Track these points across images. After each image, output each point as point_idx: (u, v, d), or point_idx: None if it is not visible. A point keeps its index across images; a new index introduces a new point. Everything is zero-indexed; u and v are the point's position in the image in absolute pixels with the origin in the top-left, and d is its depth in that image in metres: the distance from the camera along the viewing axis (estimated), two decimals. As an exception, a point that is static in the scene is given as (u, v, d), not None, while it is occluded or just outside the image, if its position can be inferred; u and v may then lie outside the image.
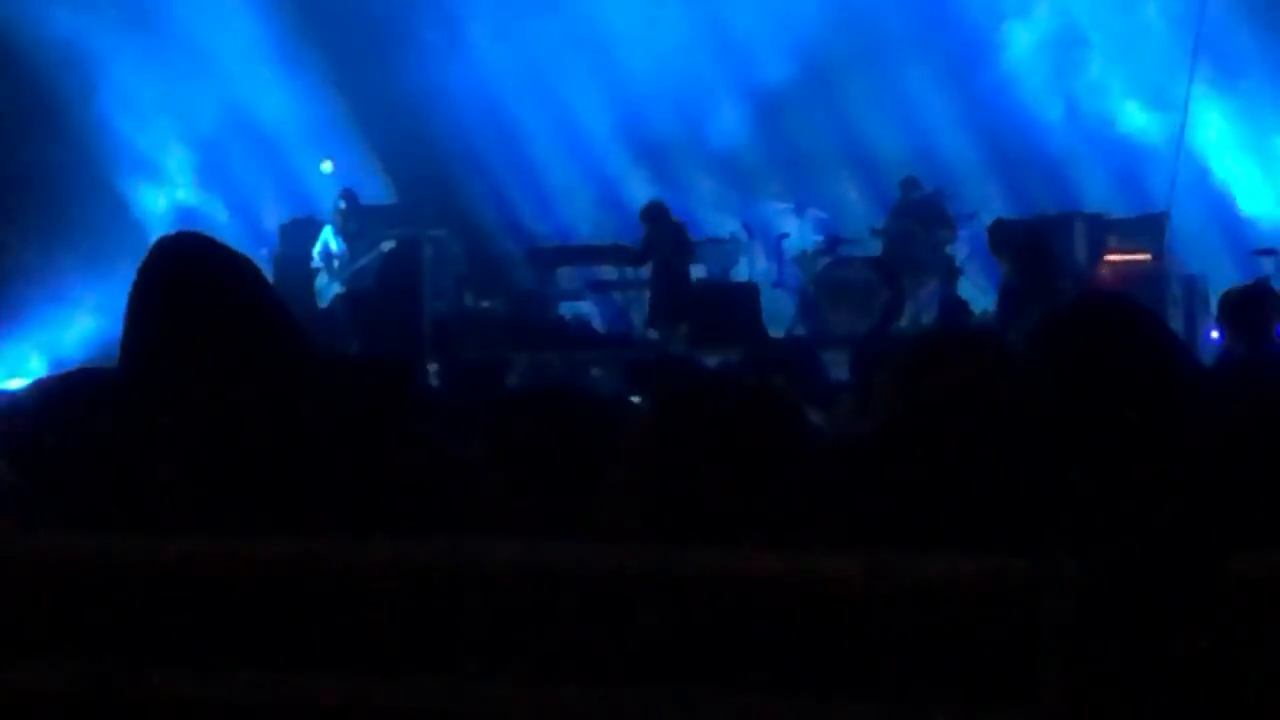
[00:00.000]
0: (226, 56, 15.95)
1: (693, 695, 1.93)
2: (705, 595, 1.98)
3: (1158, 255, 13.56)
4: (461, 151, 16.42)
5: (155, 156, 16.15)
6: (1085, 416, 2.49)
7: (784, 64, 15.80)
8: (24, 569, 2.29)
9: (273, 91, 16.14)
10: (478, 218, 16.45)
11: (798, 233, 14.97)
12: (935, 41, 15.79)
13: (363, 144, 16.40)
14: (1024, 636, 1.83)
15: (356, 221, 14.13)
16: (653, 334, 14.01)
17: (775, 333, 13.63)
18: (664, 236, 13.81)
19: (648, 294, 14.25)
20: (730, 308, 13.45)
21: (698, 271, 14.68)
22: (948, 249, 14.11)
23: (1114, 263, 13.70)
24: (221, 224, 15.37)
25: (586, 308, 15.60)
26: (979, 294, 14.02)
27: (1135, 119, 15.32)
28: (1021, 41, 15.54)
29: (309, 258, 14.14)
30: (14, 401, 3.01)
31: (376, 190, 15.93)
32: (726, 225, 15.57)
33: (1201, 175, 15.00)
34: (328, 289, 14.01)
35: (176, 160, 16.37)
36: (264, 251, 14.40)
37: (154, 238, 2.87)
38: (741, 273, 14.92)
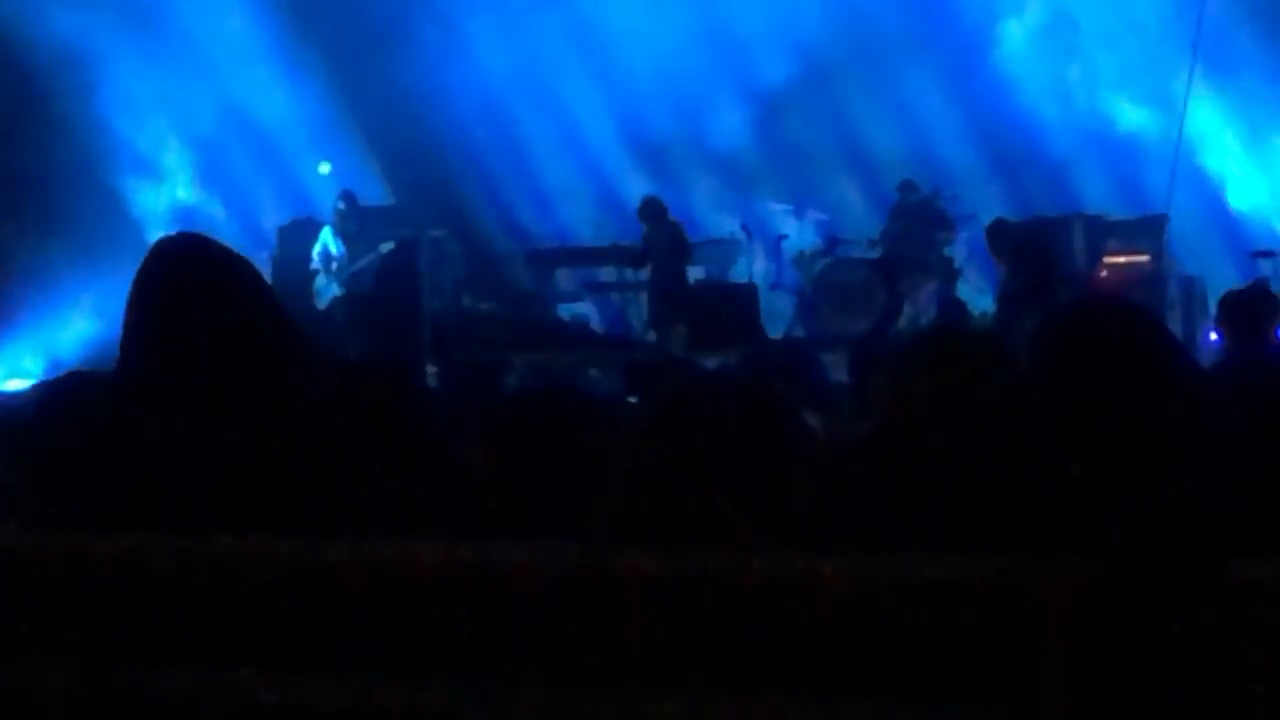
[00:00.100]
0: (225, 56, 15.94)
1: (692, 695, 1.93)
2: (703, 596, 1.98)
3: (1157, 257, 13.56)
4: (460, 152, 16.41)
5: (154, 156, 16.14)
6: (1084, 417, 2.49)
7: (784, 65, 15.80)
8: (22, 569, 2.29)
9: (271, 92, 16.13)
10: (477, 219, 16.44)
11: (796, 234, 14.97)
12: (934, 43, 15.79)
13: (361, 144, 16.39)
14: (1023, 637, 1.83)
15: (355, 223, 14.13)
16: (651, 335, 14.00)
17: (774, 334, 13.62)
18: (663, 235, 13.79)
19: (646, 295, 14.24)
20: (729, 309, 13.44)
21: (696, 272, 14.67)
22: (946, 250, 14.11)
23: (1113, 264, 13.71)
24: (220, 225, 15.36)
25: (585, 309, 15.59)
26: (978, 295, 14.02)
27: (1134, 120, 15.32)
28: (1020, 42, 15.54)
29: (307, 259, 14.13)
30: (10, 403, 3.02)
31: (375, 191, 15.92)
32: (726, 226, 15.57)
33: (1201, 176, 15.00)
34: (326, 290, 14.01)
35: (175, 160, 16.36)
36: (263, 253, 14.41)
37: (153, 238, 2.87)
38: (740, 274, 14.91)
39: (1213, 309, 8.75)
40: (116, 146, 15.59)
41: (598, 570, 2.04)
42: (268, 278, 2.93)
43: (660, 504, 2.20)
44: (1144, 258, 13.62)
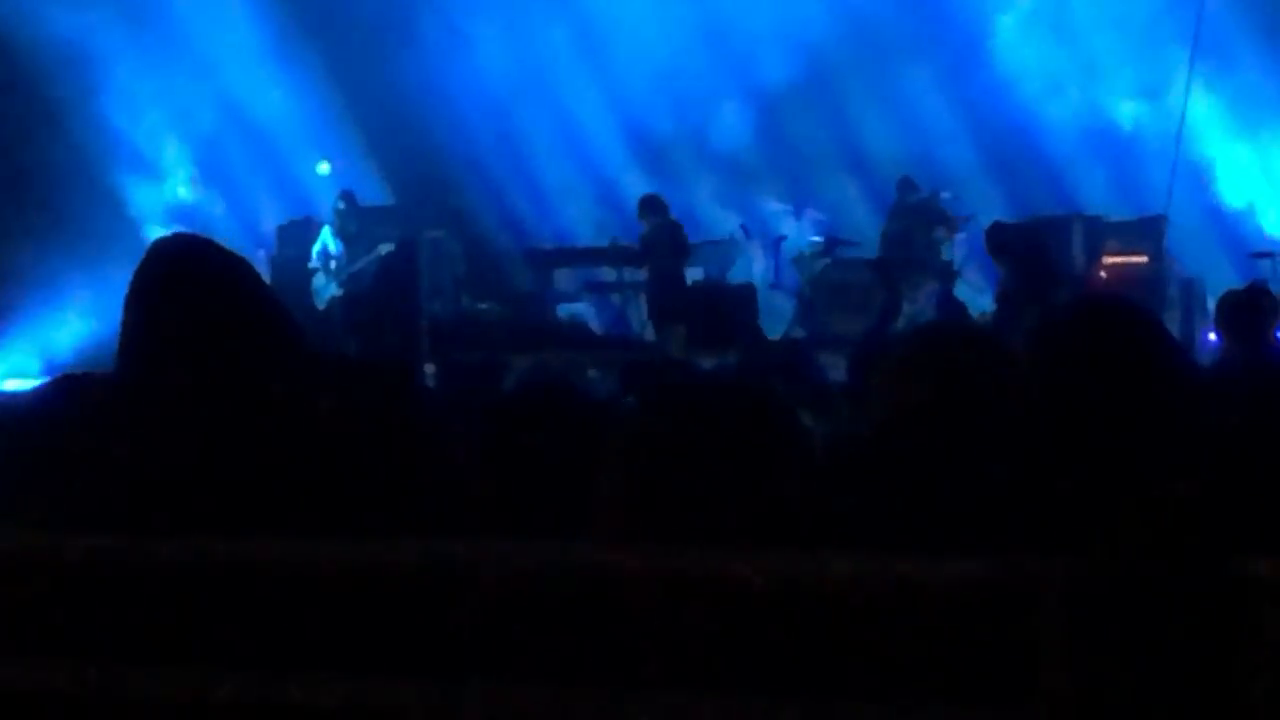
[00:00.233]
0: (225, 55, 15.94)
1: (691, 696, 1.92)
2: (699, 597, 1.97)
3: (1156, 257, 13.57)
4: (460, 152, 16.41)
5: (153, 155, 16.13)
6: (1082, 418, 2.49)
7: (784, 66, 15.80)
8: (21, 569, 2.29)
9: (270, 91, 16.13)
10: (476, 219, 16.44)
11: (795, 234, 14.97)
12: (934, 44, 15.79)
13: (360, 144, 16.39)
14: (1022, 638, 1.83)
15: (355, 223, 14.13)
16: (650, 335, 14.00)
17: (773, 334, 13.63)
18: (662, 233, 13.79)
19: (645, 295, 14.24)
20: (728, 309, 13.44)
21: (695, 273, 14.67)
22: (945, 251, 14.12)
23: (1112, 265, 13.71)
24: (219, 224, 15.36)
25: (584, 309, 15.59)
26: (977, 295, 14.02)
27: (1133, 121, 15.32)
28: (1019, 42, 15.54)
29: (306, 259, 14.13)
30: (10, 404, 3.02)
31: (374, 191, 15.92)
32: (725, 226, 15.57)
33: (1200, 177, 15.00)
34: (325, 289, 14.01)
35: (174, 159, 16.35)
36: (261, 253, 14.41)
37: (151, 237, 2.88)
38: (739, 274, 14.92)
39: (1211, 310, 8.75)
40: (115, 145, 15.58)
41: (593, 570, 2.03)
42: (266, 278, 2.93)
43: (649, 505, 2.20)
44: (1143, 258, 13.63)
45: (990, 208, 14.07)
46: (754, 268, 15.07)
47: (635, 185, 15.36)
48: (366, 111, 16.19)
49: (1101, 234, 14.04)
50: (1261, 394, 3.40)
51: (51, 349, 13.83)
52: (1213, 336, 9.76)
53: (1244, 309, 7.06)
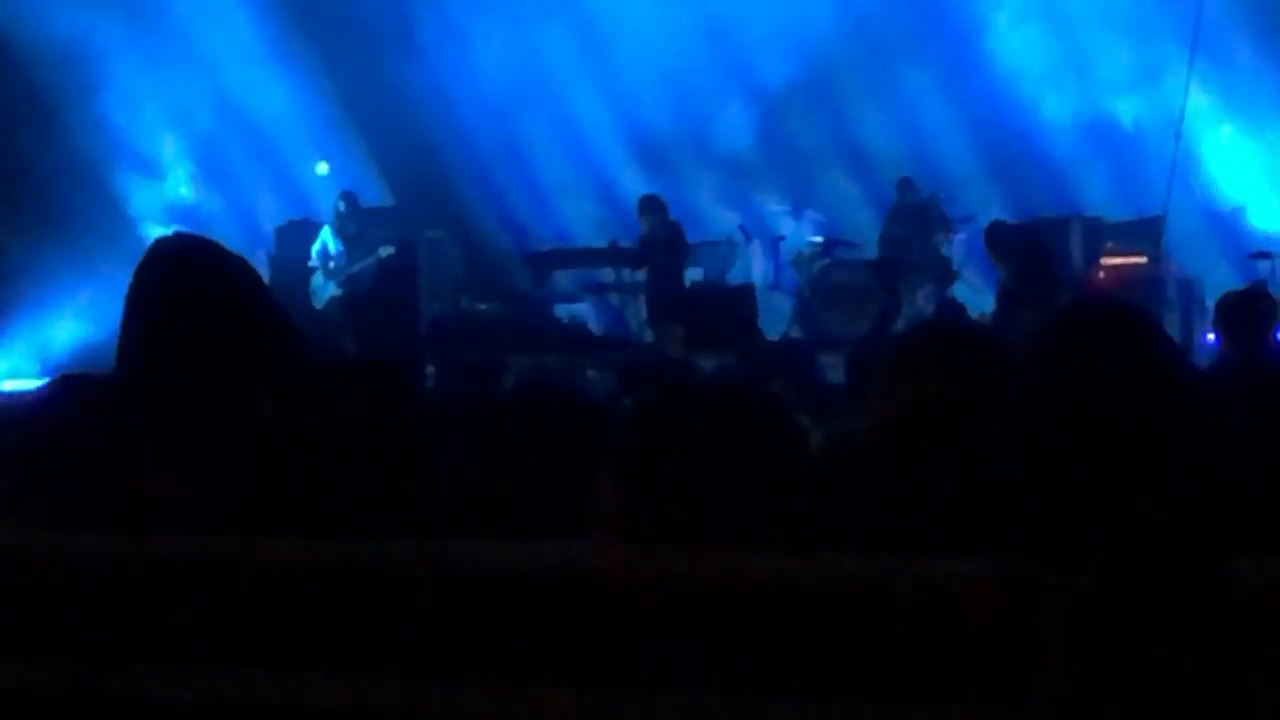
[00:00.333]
0: (224, 55, 15.94)
1: (691, 696, 1.92)
2: (696, 597, 1.98)
3: (1155, 258, 13.57)
4: (460, 152, 16.41)
5: (152, 154, 16.13)
6: (1081, 419, 2.48)
7: (784, 66, 15.80)
8: (20, 569, 2.29)
9: (270, 91, 16.13)
10: (475, 220, 16.44)
11: (795, 234, 14.97)
12: (934, 44, 15.79)
13: (361, 145, 16.39)
14: (1023, 637, 1.83)
15: (354, 223, 14.13)
16: (649, 336, 14.00)
17: (772, 335, 13.62)
18: (661, 232, 13.79)
19: (644, 296, 14.24)
20: (727, 310, 13.43)
21: (694, 274, 14.66)
22: (945, 251, 14.12)
23: (1111, 265, 13.71)
24: (218, 223, 15.35)
25: (583, 310, 15.59)
26: (976, 296, 14.02)
27: (1133, 120, 15.32)
28: (1019, 42, 15.53)
29: (305, 259, 14.13)
30: (10, 404, 3.02)
31: (373, 191, 15.92)
32: (725, 226, 15.57)
33: (1199, 178, 15.00)
34: (324, 290, 14.01)
35: (173, 158, 16.35)
36: (261, 253, 14.41)
37: (150, 236, 2.88)
38: (738, 275, 14.91)
39: (1210, 310, 8.76)
40: (115, 144, 15.58)
41: (590, 571, 2.03)
42: (266, 278, 2.93)
43: (652, 505, 2.20)
44: (1142, 259, 13.63)
45: (989, 208, 14.07)
46: (753, 268, 15.06)
47: (635, 185, 15.36)
48: (366, 112, 16.19)
49: (1100, 234, 14.04)
50: (1260, 395, 3.41)
51: (50, 349, 13.82)
52: (1211, 337, 9.76)
53: (1242, 310, 7.06)
